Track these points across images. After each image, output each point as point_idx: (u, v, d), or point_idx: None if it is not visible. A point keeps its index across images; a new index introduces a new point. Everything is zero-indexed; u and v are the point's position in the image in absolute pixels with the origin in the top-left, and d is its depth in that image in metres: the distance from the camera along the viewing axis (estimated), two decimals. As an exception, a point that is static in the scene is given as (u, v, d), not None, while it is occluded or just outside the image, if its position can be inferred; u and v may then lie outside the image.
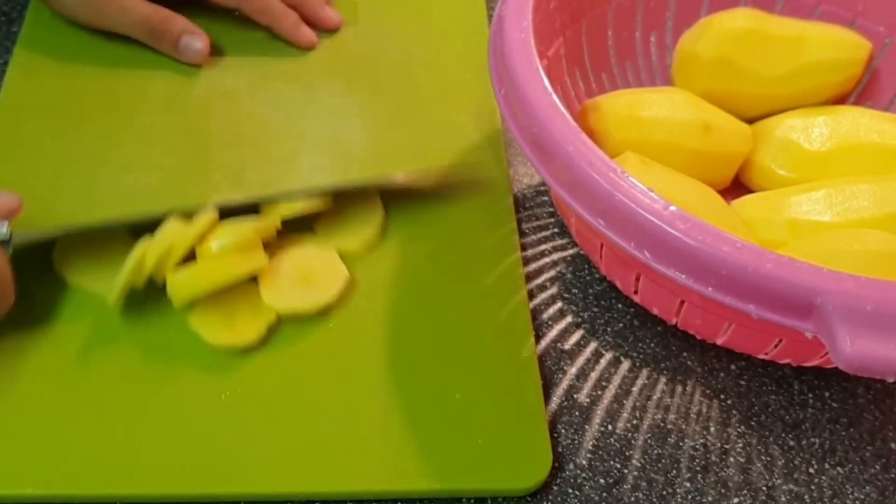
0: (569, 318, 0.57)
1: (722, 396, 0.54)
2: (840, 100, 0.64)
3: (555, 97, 0.47)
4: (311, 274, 0.53)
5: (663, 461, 0.51)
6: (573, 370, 0.54)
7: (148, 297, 0.52)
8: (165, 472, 0.47)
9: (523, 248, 0.59)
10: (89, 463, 0.47)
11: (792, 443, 0.53)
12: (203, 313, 0.52)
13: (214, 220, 0.52)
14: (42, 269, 0.53)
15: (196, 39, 0.65)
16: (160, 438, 0.48)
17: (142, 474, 0.47)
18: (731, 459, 0.52)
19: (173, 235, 0.51)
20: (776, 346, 0.48)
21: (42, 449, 0.47)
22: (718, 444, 0.52)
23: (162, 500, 0.47)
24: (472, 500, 0.49)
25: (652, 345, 0.56)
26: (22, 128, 0.61)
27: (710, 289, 0.42)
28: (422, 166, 0.62)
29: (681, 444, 0.52)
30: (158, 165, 0.60)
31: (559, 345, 0.55)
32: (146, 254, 0.50)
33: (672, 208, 0.42)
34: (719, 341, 0.51)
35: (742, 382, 0.55)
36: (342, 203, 0.57)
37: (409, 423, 0.50)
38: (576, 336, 0.56)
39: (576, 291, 0.58)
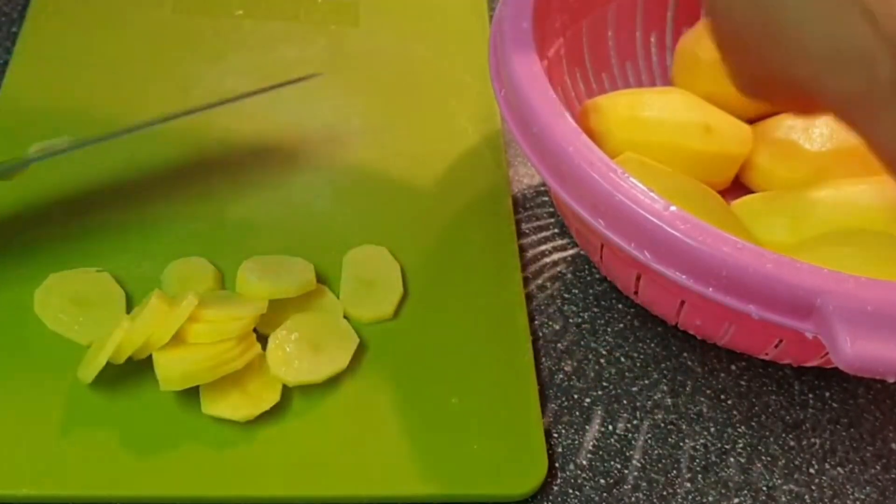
0: (569, 319, 0.57)
1: (722, 397, 0.54)
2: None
3: (555, 98, 0.47)
4: (320, 342, 0.51)
5: (663, 461, 0.51)
6: (574, 370, 0.54)
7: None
8: (165, 471, 0.47)
9: (523, 248, 0.60)
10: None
11: (792, 443, 0.53)
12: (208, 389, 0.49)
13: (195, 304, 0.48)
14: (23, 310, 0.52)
15: None
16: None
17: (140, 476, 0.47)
18: (732, 460, 0.52)
19: (155, 321, 0.48)
20: (777, 346, 0.48)
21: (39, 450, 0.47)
22: (719, 445, 0.52)
23: (160, 501, 0.47)
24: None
25: (652, 345, 0.56)
26: (22, 128, 0.61)
27: (710, 289, 0.42)
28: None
29: (681, 444, 0.52)
30: (158, 164, 0.60)
31: (559, 345, 0.55)
32: (125, 340, 0.47)
33: (672, 209, 0.42)
34: (720, 342, 0.51)
35: (742, 383, 0.55)
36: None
37: (406, 427, 0.50)
38: (576, 336, 0.56)
39: (576, 292, 0.58)
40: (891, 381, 0.47)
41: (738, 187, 0.62)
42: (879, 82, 0.40)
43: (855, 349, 0.39)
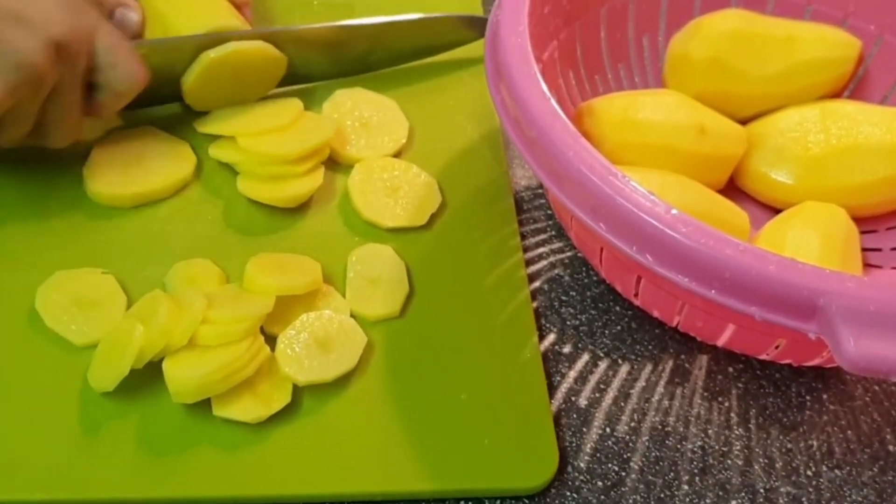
0: (567, 321, 0.57)
1: (720, 399, 0.54)
2: (831, 99, 0.64)
3: (553, 102, 0.47)
4: (329, 342, 0.51)
5: (662, 463, 0.51)
6: (571, 373, 0.54)
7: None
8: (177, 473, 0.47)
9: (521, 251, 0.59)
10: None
11: (790, 445, 0.53)
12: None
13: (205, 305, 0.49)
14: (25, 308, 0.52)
15: (132, 11, 0.58)
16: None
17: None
18: (730, 462, 0.52)
19: (171, 324, 0.48)
20: (777, 346, 0.48)
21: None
22: (717, 447, 0.52)
23: (172, 502, 0.47)
24: (473, 501, 0.49)
25: (650, 347, 0.56)
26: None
27: (713, 292, 0.42)
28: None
29: (679, 446, 0.52)
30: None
31: (557, 348, 0.55)
32: (145, 347, 0.47)
33: (674, 212, 0.42)
34: (720, 343, 0.51)
35: (740, 385, 0.55)
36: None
37: (416, 424, 0.50)
38: (574, 339, 0.56)
39: (574, 294, 0.58)
40: (893, 379, 0.47)
41: (732, 189, 0.62)
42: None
43: (858, 349, 0.39)
